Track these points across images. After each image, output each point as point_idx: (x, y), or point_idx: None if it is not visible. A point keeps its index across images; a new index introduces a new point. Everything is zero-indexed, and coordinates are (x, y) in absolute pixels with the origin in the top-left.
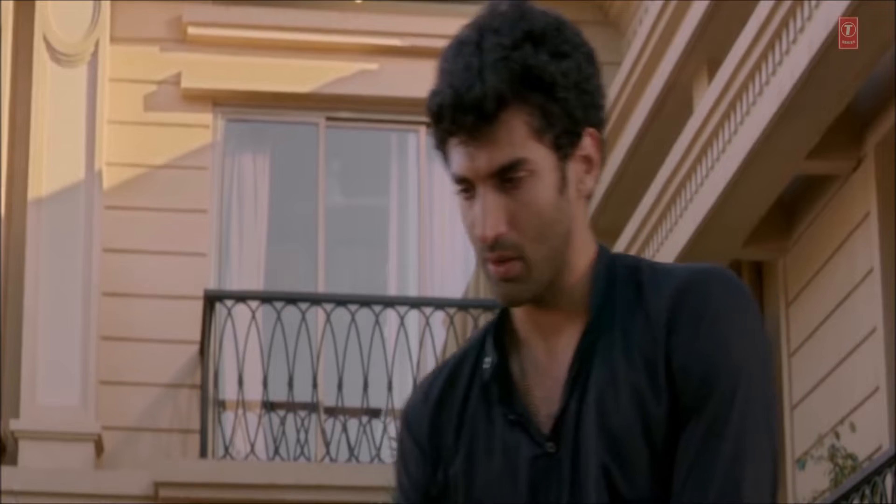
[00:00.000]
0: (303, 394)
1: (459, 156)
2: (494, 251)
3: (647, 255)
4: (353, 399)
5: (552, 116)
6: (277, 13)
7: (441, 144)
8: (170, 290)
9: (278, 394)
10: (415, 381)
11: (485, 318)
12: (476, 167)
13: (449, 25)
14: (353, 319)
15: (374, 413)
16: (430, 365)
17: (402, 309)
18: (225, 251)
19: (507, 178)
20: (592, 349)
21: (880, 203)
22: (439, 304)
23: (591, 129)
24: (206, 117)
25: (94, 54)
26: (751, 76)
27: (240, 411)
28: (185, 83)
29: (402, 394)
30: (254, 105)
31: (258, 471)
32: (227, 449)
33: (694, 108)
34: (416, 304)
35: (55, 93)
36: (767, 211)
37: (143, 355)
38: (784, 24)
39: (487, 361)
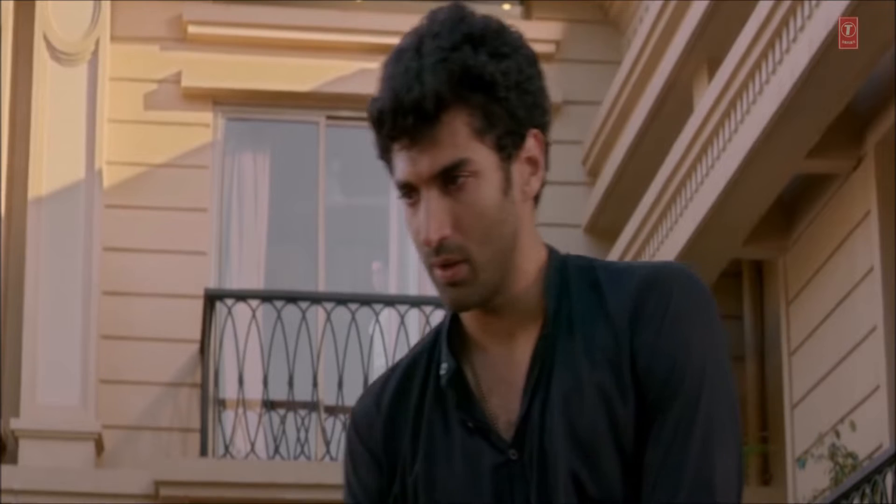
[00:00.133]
0: (303, 393)
1: (402, 161)
2: (440, 255)
3: (648, 254)
4: (353, 398)
5: (494, 117)
6: (278, 12)
7: (384, 153)
8: (170, 289)
9: (278, 393)
10: None
11: None
12: (419, 171)
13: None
14: (353, 318)
15: None
16: None
17: (403, 308)
18: (225, 250)
19: (450, 179)
20: (551, 353)
21: (880, 202)
22: (439, 303)
23: (535, 131)
24: (207, 116)
25: (95, 53)
26: (751, 75)
27: (240, 410)
28: (186, 82)
29: None
30: (254, 104)
31: (258, 470)
32: (227, 448)
33: (694, 108)
34: (417, 302)
35: (55, 92)
36: (768, 210)
37: (143, 354)
38: (784, 23)
39: (444, 367)
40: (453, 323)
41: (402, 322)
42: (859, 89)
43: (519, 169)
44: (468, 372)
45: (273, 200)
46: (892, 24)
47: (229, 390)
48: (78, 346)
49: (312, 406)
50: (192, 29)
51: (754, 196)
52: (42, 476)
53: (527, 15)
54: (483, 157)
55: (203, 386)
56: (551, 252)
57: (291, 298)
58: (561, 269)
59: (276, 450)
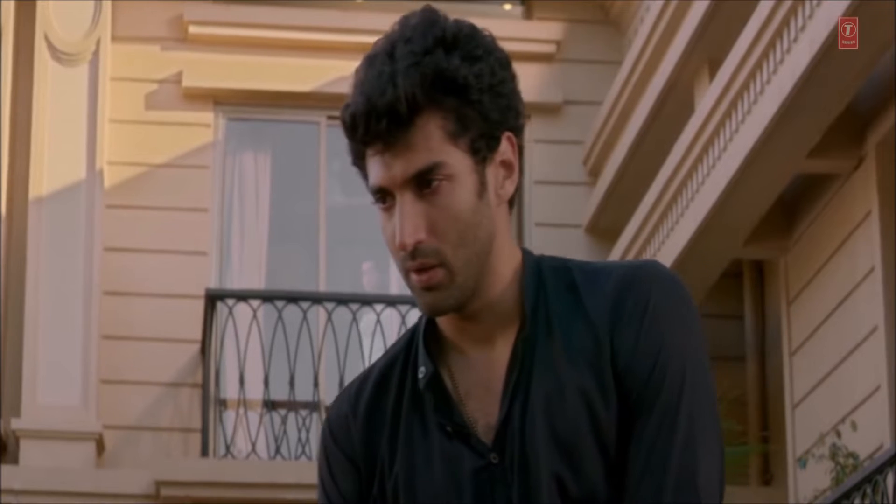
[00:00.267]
0: (304, 393)
1: (376, 166)
2: (415, 259)
3: (649, 254)
4: None
5: (467, 120)
6: (278, 12)
7: (358, 159)
8: (171, 289)
9: (279, 393)
10: None
11: None
12: (393, 175)
13: None
14: (354, 318)
15: None
16: None
17: (404, 308)
18: (226, 250)
19: (424, 183)
20: (530, 354)
21: (881, 202)
22: None
23: (508, 134)
24: (207, 116)
25: (95, 53)
26: (752, 75)
27: (241, 410)
28: (186, 82)
29: None
30: (255, 104)
31: (259, 470)
32: (228, 448)
33: (695, 108)
34: None
35: (56, 92)
36: (768, 210)
37: (144, 354)
38: (785, 23)
39: (422, 371)
40: (429, 326)
41: (404, 322)
42: (860, 89)
43: (493, 172)
44: (446, 375)
45: (274, 200)
46: (893, 23)
47: (230, 390)
48: (79, 347)
49: (313, 406)
50: (192, 29)
51: (755, 196)
52: (43, 476)
53: (527, 15)
54: (457, 160)
55: (204, 386)
56: (526, 254)
57: (292, 298)
58: (537, 271)
59: (278, 450)
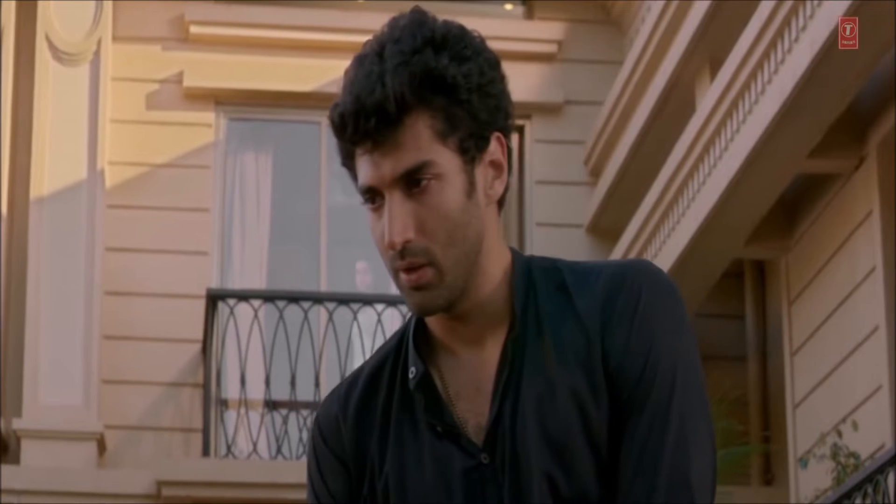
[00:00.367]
0: (305, 392)
1: (364, 165)
2: (404, 259)
3: (650, 254)
4: None
5: (456, 119)
6: (279, 12)
7: (347, 160)
8: (172, 288)
9: (281, 392)
10: None
11: None
12: (381, 174)
13: None
14: (355, 318)
15: None
16: None
17: (405, 307)
18: (227, 250)
19: (413, 182)
20: (520, 354)
21: (882, 202)
22: None
23: (497, 134)
24: (208, 116)
25: (97, 53)
26: (753, 75)
27: (242, 410)
28: (187, 82)
29: None
30: (256, 104)
31: (260, 470)
32: (229, 448)
33: (696, 108)
34: None
35: (57, 92)
36: (769, 210)
37: (145, 354)
38: (786, 23)
39: (413, 371)
40: (420, 326)
41: (405, 321)
42: (861, 89)
43: (482, 172)
44: (436, 376)
45: (275, 200)
46: (894, 23)
47: (231, 390)
48: (80, 346)
49: (315, 406)
50: (193, 29)
51: (756, 196)
52: (44, 476)
53: (529, 15)
54: (446, 159)
55: (205, 386)
56: (515, 255)
57: (293, 298)
58: (526, 271)
59: (279, 450)
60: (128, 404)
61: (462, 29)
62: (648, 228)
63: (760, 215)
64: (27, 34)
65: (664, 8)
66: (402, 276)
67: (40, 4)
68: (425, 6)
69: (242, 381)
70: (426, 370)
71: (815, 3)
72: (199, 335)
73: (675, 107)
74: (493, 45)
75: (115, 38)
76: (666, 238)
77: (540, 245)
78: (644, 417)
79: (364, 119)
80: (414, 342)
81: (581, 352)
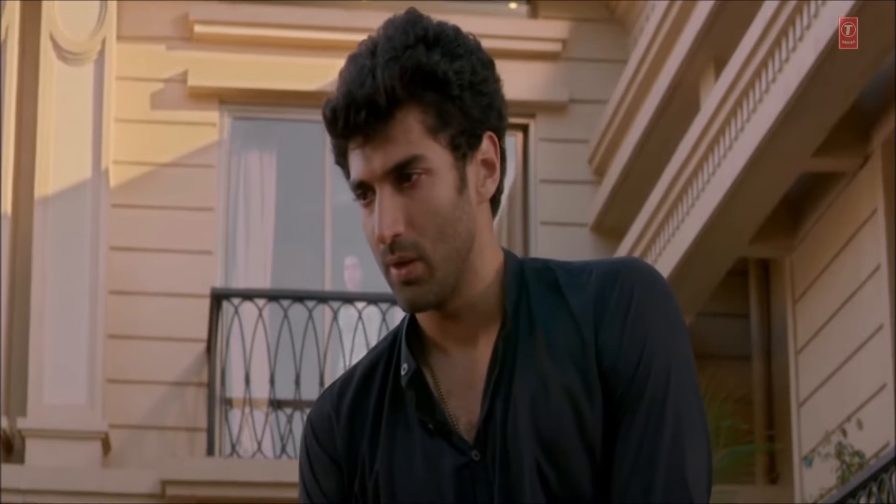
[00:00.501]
0: (310, 392)
1: (356, 160)
2: (394, 253)
3: (654, 252)
4: None
5: (447, 115)
6: (284, 11)
7: (341, 157)
8: (176, 288)
9: (285, 392)
10: None
11: None
12: (372, 168)
13: (457, 23)
14: (359, 317)
15: None
16: None
17: None
18: (231, 249)
19: (403, 177)
20: (512, 352)
21: (887, 200)
22: None
23: (490, 133)
24: (213, 115)
25: (101, 53)
26: (757, 74)
27: (247, 409)
28: (192, 81)
29: None
30: (260, 103)
31: (265, 469)
32: (233, 447)
33: (700, 106)
34: None
35: (62, 91)
36: (774, 209)
37: (149, 354)
38: (790, 22)
39: (405, 368)
40: (412, 325)
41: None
42: (865, 88)
43: (474, 170)
44: (427, 373)
45: (279, 199)
46: None
47: (236, 389)
48: (84, 346)
49: None
50: (198, 28)
51: (760, 195)
52: (48, 475)
53: (533, 14)
54: (437, 154)
55: (210, 385)
56: (508, 255)
57: (298, 297)
58: (519, 271)
59: (283, 449)
60: (132, 404)
61: (456, 30)
62: (653, 227)
63: (765, 214)
64: (31, 34)
65: (668, 7)
66: (393, 270)
67: (45, 4)
68: (430, 5)
69: (247, 381)
70: (418, 368)
71: (819, 2)
72: (204, 334)
73: (679, 106)
74: (497, 43)
75: (119, 38)
76: (670, 237)
77: (544, 244)
78: (639, 416)
79: (355, 112)
80: (407, 340)
81: (574, 350)
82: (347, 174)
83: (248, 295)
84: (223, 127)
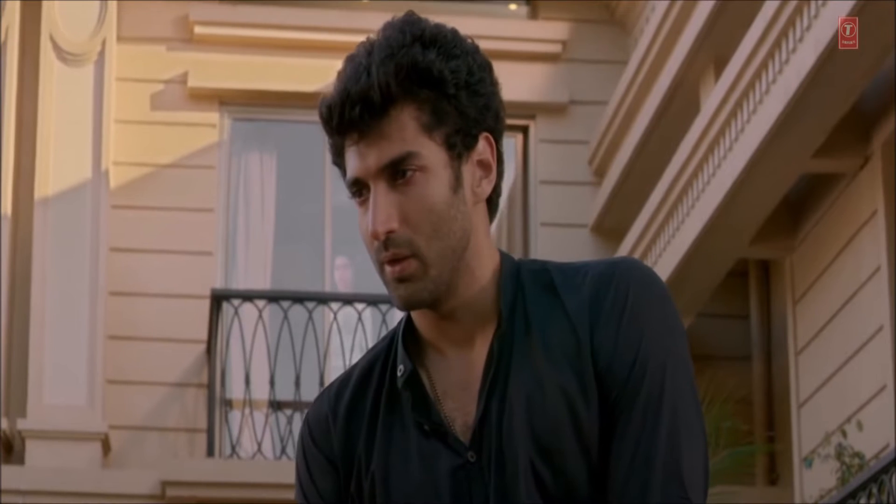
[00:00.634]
0: (310, 393)
1: (351, 157)
2: (388, 250)
3: (654, 254)
4: None
5: (443, 114)
6: (284, 12)
7: (338, 157)
8: (176, 289)
9: (285, 393)
10: None
11: None
12: (367, 165)
13: (457, 24)
14: (359, 318)
15: None
16: None
17: None
18: (231, 250)
19: (398, 174)
20: (507, 353)
21: (887, 201)
22: None
23: (486, 134)
24: (213, 116)
25: (101, 54)
26: (757, 75)
27: (247, 410)
28: (192, 82)
29: None
30: (260, 104)
31: (265, 470)
32: (234, 448)
33: (700, 107)
34: None
35: (62, 92)
36: (774, 210)
37: (149, 355)
38: (790, 23)
39: (401, 369)
40: (409, 326)
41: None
42: (866, 89)
43: (470, 170)
44: (423, 375)
45: (279, 200)
46: None
47: (236, 390)
48: (84, 347)
49: None
50: (198, 29)
51: (761, 196)
52: (48, 476)
53: (533, 15)
54: (432, 152)
55: (210, 386)
56: (504, 256)
57: (298, 299)
58: (515, 272)
59: (283, 450)
60: (132, 405)
61: (454, 32)
62: (653, 228)
63: (765, 215)
64: (31, 35)
65: (668, 8)
66: (387, 268)
67: (45, 5)
68: (430, 6)
69: (247, 382)
70: (414, 369)
71: (820, 3)
72: (204, 335)
73: (679, 107)
74: (497, 44)
75: (119, 39)
76: (670, 238)
77: (544, 245)
78: (635, 416)
79: (349, 108)
80: (403, 342)
81: (570, 351)
82: (344, 173)
83: (248, 296)
84: (223, 128)
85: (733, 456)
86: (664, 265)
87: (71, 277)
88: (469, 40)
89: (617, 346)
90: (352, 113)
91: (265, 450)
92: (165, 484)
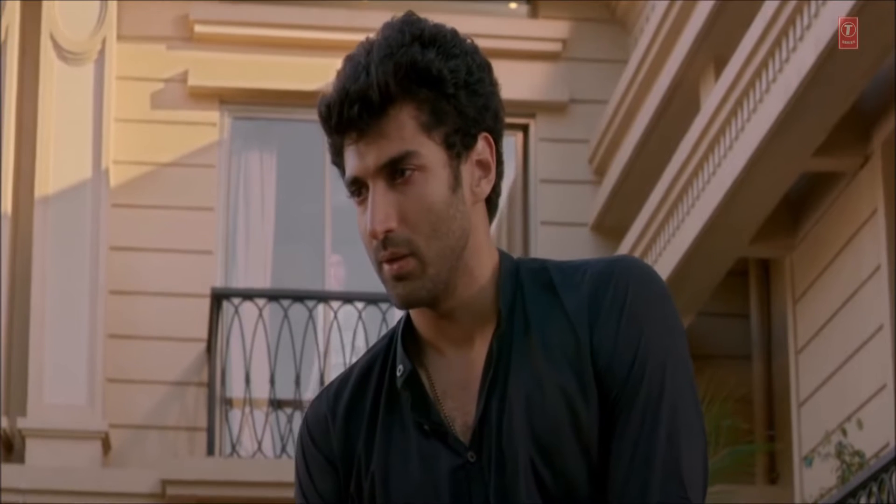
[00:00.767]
0: (310, 392)
1: (350, 157)
2: (387, 249)
3: (654, 252)
4: None
5: (442, 113)
6: (284, 11)
7: (337, 156)
8: (177, 288)
9: (285, 392)
10: None
11: None
12: (366, 164)
13: (457, 23)
14: (360, 317)
15: None
16: None
17: None
18: (232, 249)
19: (397, 173)
20: (507, 352)
21: (887, 200)
22: None
23: (485, 134)
24: (213, 115)
25: (101, 52)
26: (757, 74)
27: (247, 409)
28: (192, 81)
29: None
30: (260, 103)
31: (265, 469)
32: (234, 447)
33: (701, 106)
34: None
35: (62, 91)
36: (774, 209)
37: (149, 353)
38: (791, 21)
39: (400, 369)
40: (408, 326)
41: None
42: (866, 88)
43: (469, 170)
44: (423, 374)
45: (280, 199)
46: None
47: (236, 389)
48: (84, 346)
49: None
50: (198, 28)
51: (761, 195)
52: (49, 475)
53: (533, 14)
54: (430, 151)
55: (210, 385)
56: (503, 256)
57: (298, 297)
58: (514, 271)
59: (283, 449)
60: (132, 403)
61: (454, 32)
62: (653, 227)
63: (765, 214)
64: (32, 34)
65: (669, 7)
66: (385, 266)
67: (45, 4)
68: (430, 5)
69: (247, 380)
70: (413, 369)
71: (820, 2)
72: (204, 334)
73: (679, 106)
74: (498, 43)
75: (119, 38)
76: (670, 237)
77: (544, 244)
78: (634, 415)
79: (348, 107)
80: (402, 342)
81: (569, 351)
82: (343, 173)
83: (248, 295)
84: (223, 127)
85: (733, 455)
86: (664, 264)
87: (71, 276)
88: (468, 40)
89: (616, 345)
90: (351, 112)
91: (265, 448)
92: (166, 483)
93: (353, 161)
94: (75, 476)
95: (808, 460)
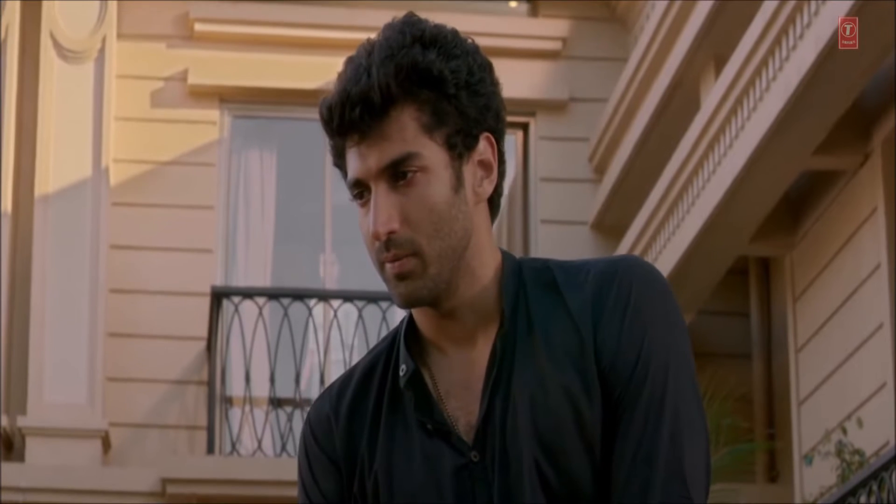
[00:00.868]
0: (310, 390)
1: (352, 159)
2: (389, 250)
3: (654, 251)
4: None
5: (443, 114)
6: (284, 9)
7: (339, 159)
8: (177, 286)
9: (285, 390)
10: None
11: None
12: (368, 166)
13: (457, 22)
14: (360, 315)
15: None
16: None
17: None
18: (232, 247)
19: (399, 175)
20: (510, 352)
21: (887, 198)
22: None
23: (487, 134)
24: (213, 114)
25: (101, 51)
26: (757, 72)
27: (247, 408)
28: (192, 80)
29: None
30: (261, 101)
31: (265, 467)
32: (234, 445)
33: (701, 105)
34: None
35: (62, 90)
36: (774, 207)
37: (150, 352)
38: (791, 20)
39: (403, 369)
40: (411, 325)
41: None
42: (866, 86)
43: (471, 170)
44: (426, 374)
45: (280, 198)
46: None
47: (236, 388)
48: (85, 344)
49: None
50: (198, 27)
51: (761, 193)
52: (49, 474)
53: (533, 12)
54: (432, 153)
55: (210, 383)
56: (506, 256)
57: (298, 296)
58: (517, 271)
59: (283, 447)
60: (132, 402)
61: (454, 32)
62: (653, 225)
63: (765, 212)
64: (32, 32)
65: (668, 5)
66: (387, 266)
67: (45, 3)
68: (430, 3)
69: (247, 379)
70: (416, 368)
71: (820, 1)
72: (204, 333)
73: (679, 104)
74: (498, 42)
75: (119, 36)
76: (670, 235)
77: (544, 242)
78: (637, 414)
79: (350, 109)
80: (405, 341)
81: (573, 350)
82: (345, 175)
83: (248, 293)
84: (223, 125)
85: (733, 453)
86: (664, 262)
87: (71, 275)
88: (469, 40)
89: (619, 344)
90: (352, 114)
91: (265, 447)
92: (166, 481)
93: (354, 163)
94: (75, 475)
95: (808, 459)
